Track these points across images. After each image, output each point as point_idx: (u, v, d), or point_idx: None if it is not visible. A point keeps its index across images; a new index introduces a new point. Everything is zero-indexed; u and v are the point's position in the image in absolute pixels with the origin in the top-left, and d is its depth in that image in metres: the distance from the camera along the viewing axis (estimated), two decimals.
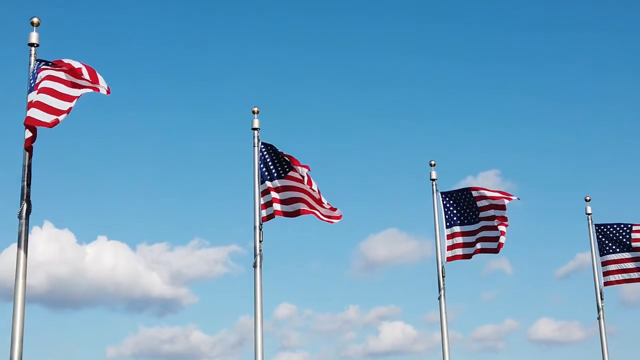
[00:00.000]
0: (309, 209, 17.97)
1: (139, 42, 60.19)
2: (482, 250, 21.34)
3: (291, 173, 17.93)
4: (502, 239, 20.79)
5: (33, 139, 13.02)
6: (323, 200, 17.78)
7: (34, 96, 12.76)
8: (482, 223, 21.26)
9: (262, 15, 62.26)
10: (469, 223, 21.44)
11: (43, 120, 12.47)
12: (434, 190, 22.04)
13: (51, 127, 12.50)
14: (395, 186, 56.57)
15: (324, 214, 17.93)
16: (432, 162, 22.26)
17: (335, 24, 62.73)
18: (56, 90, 12.92)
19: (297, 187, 17.94)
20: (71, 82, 13.11)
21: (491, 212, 21.13)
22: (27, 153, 13.21)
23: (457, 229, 21.56)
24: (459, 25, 62.63)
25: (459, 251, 21.49)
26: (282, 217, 18.06)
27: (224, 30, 61.61)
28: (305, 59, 61.57)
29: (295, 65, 61.38)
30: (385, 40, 62.57)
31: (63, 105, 12.77)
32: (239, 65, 60.69)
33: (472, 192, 21.35)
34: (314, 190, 17.67)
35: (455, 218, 21.61)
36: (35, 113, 12.48)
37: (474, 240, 21.37)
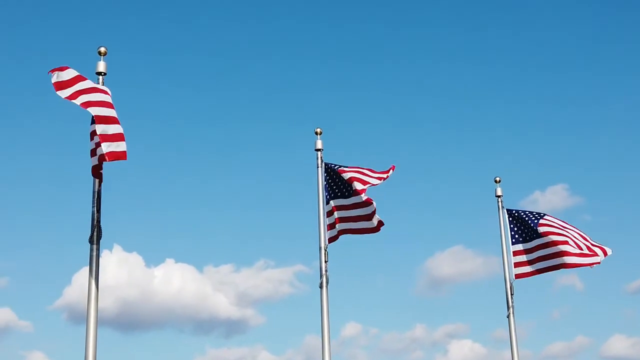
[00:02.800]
0: (352, 227, 17.79)
1: (202, 65, 61.07)
2: (565, 265, 20.94)
3: (352, 198, 17.82)
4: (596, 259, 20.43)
5: (100, 167, 13.30)
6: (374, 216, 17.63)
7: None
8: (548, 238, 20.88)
9: (325, 35, 62.63)
10: (532, 239, 21.11)
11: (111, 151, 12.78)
12: (500, 207, 21.83)
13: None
14: (461, 203, 56.09)
15: (365, 226, 17.65)
16: (497, 179, 22.09)
17: (395, 37, 62.71)
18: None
19: (345, 206, 17.85)
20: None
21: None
22: (97, 180, 13.49)
23: (522, 246, 21.24)
24: (527, 35, 62.00)
25: (528, 268, 21.15)
26: (348, 234, 17.95)
27: (286, 51, 62.15)
28: (367, 77, 61.67)
29: (357, 84, 61.52)
30: (447, 53, 62.33)
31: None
32: (302, 86, 61.09)
33: (539, 228, 20.95)
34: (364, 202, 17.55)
35: (521, 232, 21.31)
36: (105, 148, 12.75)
37: (544, 254, 20.99)
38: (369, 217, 17.39)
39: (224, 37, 61.66)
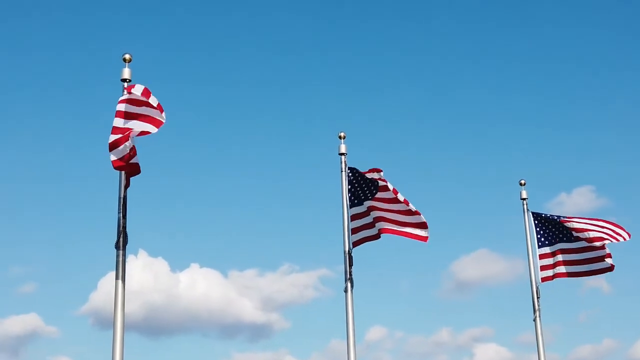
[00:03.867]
0: (397, 228, 17.81)
1: (224, 71, 61.27)
2: (590, 273, 20.87)
3: (379, 194, 17.87)
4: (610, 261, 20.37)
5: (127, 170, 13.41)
6: (412, 208, 17.61)
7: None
8: (581, 243, 20.79)
9: (348, 40, 62.63)
10: (562, 241, 21.00)
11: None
12: (525, 210, 21.73)
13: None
14: (486, 206, 55.80)
15: (414, 232, 17.69)
16: (522, 182, 21.99)
17: (419, 36, 62.59)
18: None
19: (382, 207, 17.87)
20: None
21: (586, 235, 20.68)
22: (124, 185, 13.60)
23: (548, 249, 21.14)
24: (555, 32, 61.69)
25: (550, 272, 21.06)
26: (369, 242, 18.01)
27: (308, 57, 62.20)
28: (390, 78, 61.58)
29: (379, 88, 61.45)
30: (471, 52, 62.07)
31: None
32: (325, 90, 61.11)
33: (565, 223, 20.88)
34: (402, 203, 17.54)
35: (547, 236, 21.20)
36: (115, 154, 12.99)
37: (573, 259, 20.90)
38: (418, 225, 17.53)
39: (248, 38, 61.86)
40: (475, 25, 62.28)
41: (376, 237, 17.98)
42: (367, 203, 17.98)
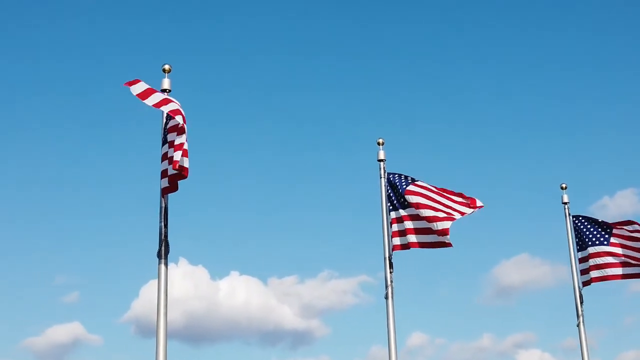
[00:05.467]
0: (421, 241, 17.64)
1: (262, 79, 61.58)
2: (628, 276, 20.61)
3: (410, 200, 17.74)
4: None
5: (172, 188, 13.65)
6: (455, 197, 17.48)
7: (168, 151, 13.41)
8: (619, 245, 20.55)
9: (386, 47, 62.60)
10: (601, 244, 20.78)
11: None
12: (567, 214, 21.55)
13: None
14: (527, 210, 55.31)
15: (461, 210, 17.47)
16: (563, 185, 21.83)
17: (460, 40, 62.35)
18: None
19: (410, 217, 17.73)
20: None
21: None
22: (164, 196, 13.75)
23: (590, 250, 20.92)
24: (600, 36, 61.10)
25: (591, 274, 20.83)
26: (418, 248, 17.85)
27: (347, 62, 62.27)
28: (427, 87, 61.39)
29: (418, 94, 61.28)
30: (513, 55, 61.65)
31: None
32: (363, 97, 61.11)
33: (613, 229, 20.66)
34: (442, 193, 17.40)
35: (586, 239, 21.00)
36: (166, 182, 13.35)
37: (612, 262, 20.65)
38: (441, 231, 17.36)
39: (285, 44, 62.12)
40: (513, 29, 61.87)
41: (406, 247, 17.85)
42: (401, 212, 17.88)
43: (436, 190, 17.65)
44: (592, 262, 20.75)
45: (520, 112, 60.02)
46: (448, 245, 17.22)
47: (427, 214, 17.29)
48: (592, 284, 20.82)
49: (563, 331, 53.49)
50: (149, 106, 13.55)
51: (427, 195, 17.55)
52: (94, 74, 58.31)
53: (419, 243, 17.57)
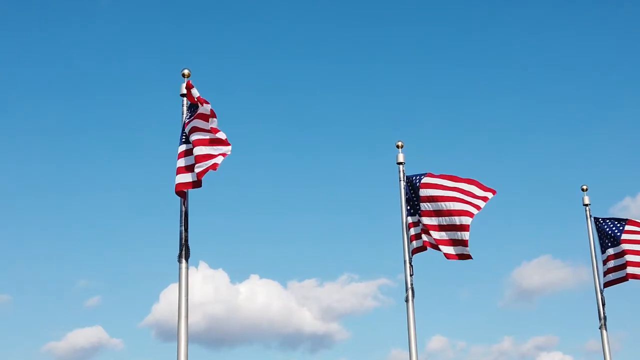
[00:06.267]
0: (432, 242, 17.53)
1: (282, 82, 61.67)
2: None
3: (426, 205, 17.60)
4: None
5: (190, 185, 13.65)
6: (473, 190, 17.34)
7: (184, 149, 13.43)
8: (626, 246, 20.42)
9: (406, 49, 62.52)
10: (617, 245, 20.66)
11: (187, 181, 13.38)
12: (588, 216, 21.42)
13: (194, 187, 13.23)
14: (548, 212, 55.07)
15: (477, 200, 17.19)
16: (584, 187, 21.72)
17: (476, 41, 62.16)
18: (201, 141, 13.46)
19: (426, 221, 17.58)
20: (209, 140, 13.58)
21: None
22: (184, 200, 13.77)
23: (610, 252, 20.79)
24: (621, 38, 60.71)
25: (612, 276, 20.69)
26: (431, 248, 17.77)
27: (366, 65, 62.22)
28: (445, 89, 61.27)
29: (437, 97, 61.16)
30: (531, 55, 61.39)
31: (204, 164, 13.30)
32: (383, 100, 61.05)
33: (629, 226, 20.51)
34: (462, 191, 17.26)
35: (608, 240, 20.86)
36: (182, 178, 13.36)
37: (631, 260, 20.51)
38: (459, 242, 17.19)
39: (305, 47, 62.18)
40: (532, 32, 61.62)
41: (423, 248, 17.76)
42: (421, 212, 17.73)
43: (449, 176, 17.47)
44: (611, 263, 20.61)
45: (540, 114, 59.82)
46: (468, 257, 17.02)
47: (447, 207, 17.13)
48: (614, 285, 20.68)
49: (585, 334, 53.21)
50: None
51: (444, 185, 17.38)
52: (115, 79, 58.69)
53: (439, 241, 17.37)
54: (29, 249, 52.85)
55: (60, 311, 50.71)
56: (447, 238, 17.14)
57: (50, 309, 50.23)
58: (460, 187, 17.34)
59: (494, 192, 17.37)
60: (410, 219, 17.86)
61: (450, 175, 17.56)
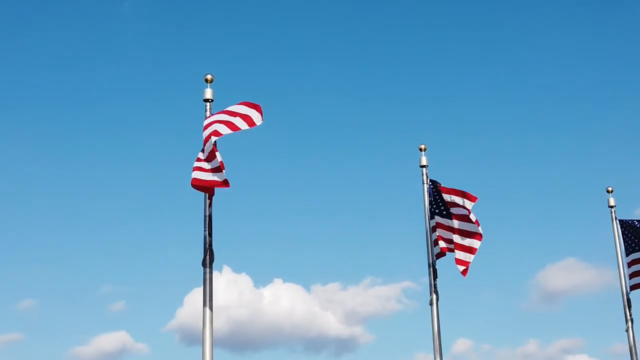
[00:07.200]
0: (450, 247, 17.43)
1: (304, 86, 61.79)
2: None
3: (453, 210, 17.53)
4: None
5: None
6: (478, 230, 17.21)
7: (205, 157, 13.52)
8: None
9: (429, 53, 62.44)
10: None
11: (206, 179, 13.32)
12: (613, 218, 21.28)
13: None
14: (572, 214, 54.71)
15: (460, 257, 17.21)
16: (610, 189, 21.58)
17: (499, 43, 61.95)
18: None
19: (445, 226, 17.55)
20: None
21: None
22: (208, 204, 13.82)
23: (634, 255, 20.64)
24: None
25: (637, 279, 20.55)
26: (442, 257, 17.72)
27: (388, 69, 62.22)
28: (469, 92, 61.10)
29: (460, 100, 60.99)
30: (555, 58, 61.09)
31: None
32: (406, 103, 60.97)
33: None
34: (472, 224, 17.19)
35: (634, 242, 20.72)
36: (202, 175, 13.31)
37: None
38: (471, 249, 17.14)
39: (326, 52, 62.25)
40: (561, 34, 61.32)
41: (442, 254, 17.67)
42: (438, 218, 17.70)
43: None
44: (638, 267, 20.49)
45: (564, 116, 59.43)
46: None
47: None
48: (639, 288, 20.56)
49: (611, 336, 52.69)
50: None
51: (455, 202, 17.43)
52: (139, 84, 59.02)
53: (457, 245, 17.27)
54: (53, 254, 53.26)
55: (85, 316, 50.99)
56: (463, 244, 17.14)
57: (76, 314, 50.53)
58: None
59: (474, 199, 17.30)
60: (434, 222, 17.79)
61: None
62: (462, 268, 16.91)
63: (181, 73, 57.40)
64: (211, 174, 13.19)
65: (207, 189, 13.52)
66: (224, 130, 13.45)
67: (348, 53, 61.93)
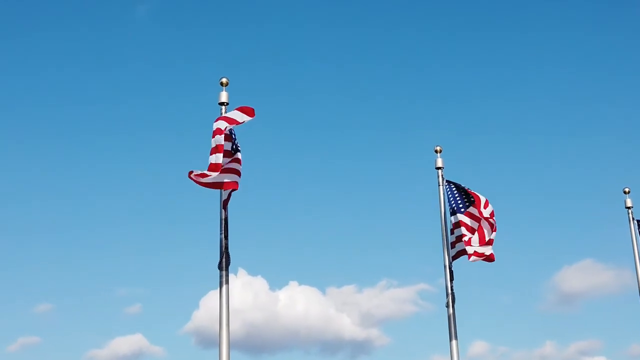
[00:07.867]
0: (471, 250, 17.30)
1: (319, 88, 61.82)
2: None
3: (470, 209, 17.47)
4: None
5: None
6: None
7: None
8: None
9: (444, 54, 62.36)
10: None
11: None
12: (630, 219, 21.19)
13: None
14: (589, 215, 54.44)
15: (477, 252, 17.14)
16: (627, 190, 21.51)
17: (516, 44, 61.80)
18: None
19: (468, 224, 17.45)
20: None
21: None
22: (224, 208, 13.85)
23: None
24: None
25: None
26: (463, 256, 17.58)
27: (404, 70, 62.16)
28: (484, 93, 60.94)
29: (476, 102, 60.84)
30: (572, 58, 60.85)
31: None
32: (421, 104, 60.89)
33: None
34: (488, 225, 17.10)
35: None
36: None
37: None
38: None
39: (342, 54, 62.28)
40: (577, 33, 61.09)
41: (463, 252, 17.57)
42: (460, 216, 17.59)
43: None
44: None
45: (580, 116, 59.17)
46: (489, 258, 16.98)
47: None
48: None
49: (629, 338, 52.41)
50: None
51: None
52: (155, 88, 59.24)
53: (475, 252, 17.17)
54: (70, 258, 53.49)
55: (102, 319, 51.18)
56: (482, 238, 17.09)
57: (92, 317, 50.75)
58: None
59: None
60: (457, 217, 17.58)
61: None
62: (479, 251, 16.90)
63: (196, 76, 57.55)
64: (220, 174, 13.33)
65: (215, 185, 13.63)
66: (224, 124, 13.61)
67: (366, 54, 61.95)
